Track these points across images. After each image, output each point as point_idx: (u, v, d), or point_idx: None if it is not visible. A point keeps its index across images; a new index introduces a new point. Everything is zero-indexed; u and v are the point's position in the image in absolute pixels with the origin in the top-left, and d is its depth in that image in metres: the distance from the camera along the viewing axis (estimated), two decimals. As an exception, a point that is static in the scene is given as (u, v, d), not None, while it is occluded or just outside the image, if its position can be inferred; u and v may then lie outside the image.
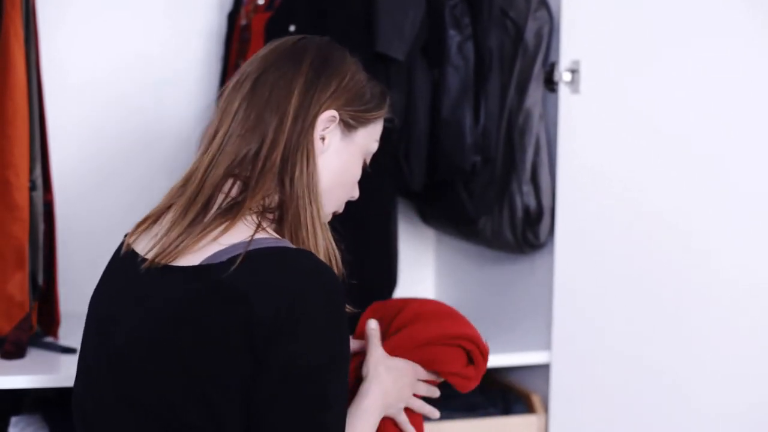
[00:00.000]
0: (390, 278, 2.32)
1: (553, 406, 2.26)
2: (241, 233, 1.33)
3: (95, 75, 2.43)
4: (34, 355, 2.07)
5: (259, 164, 1.38)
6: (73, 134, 2.40)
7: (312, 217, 1.38)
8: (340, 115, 1.42)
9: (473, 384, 1.56)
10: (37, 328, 2.09)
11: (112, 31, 2.44)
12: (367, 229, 2.22)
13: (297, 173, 1.38)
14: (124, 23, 2.45)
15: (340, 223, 2.11)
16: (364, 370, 1.48)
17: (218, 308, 1.28)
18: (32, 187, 2.01)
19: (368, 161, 1.51)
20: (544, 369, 2.28)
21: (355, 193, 1.51)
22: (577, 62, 2.15)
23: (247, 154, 1.38)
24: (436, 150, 2.27)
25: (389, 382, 1.48)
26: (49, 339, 2.14)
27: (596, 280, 2.19)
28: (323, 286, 1.29)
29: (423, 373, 1.53)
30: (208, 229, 1.33)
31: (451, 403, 2.26)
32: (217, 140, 1.40)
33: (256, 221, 1.35)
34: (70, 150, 2.37)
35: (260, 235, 1.33)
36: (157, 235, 1.38)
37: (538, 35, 2.23)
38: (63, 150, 2.31)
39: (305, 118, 1.39)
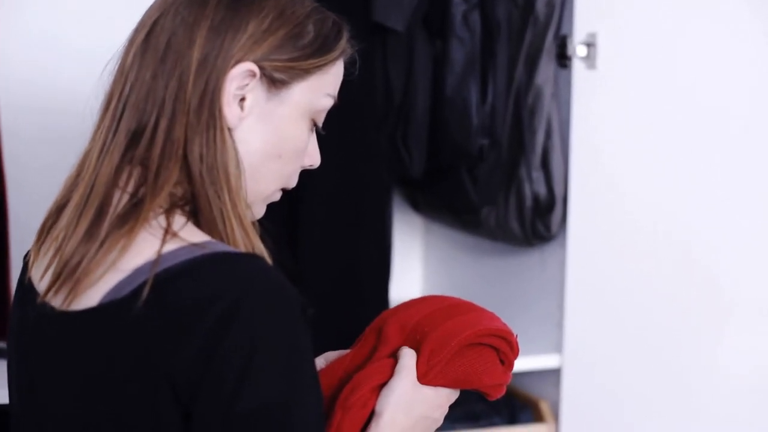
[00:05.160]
0: (384, 271, 2.26)
1: (564, 414, 2.22)
2: (145, 249, 1.07)
3: (53, 64, 2.30)
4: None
5: (158, 145, 1.10)
6: (28, 127, 2.28)
7: (226, 211, 1.11)
8: (261, 68, 1.13)
9: (504, 388, 1.33)
10: (-10, 335, 2.04)
11: (70, 22, 2.30)
12: (361, 220, 2.16)
13: (201, 153, 1.10)
14: (83, 14, 2.31)
15: (332, 211, 2.08)
16: (379, 406, 1.21)
17: (129, 361, 1.04)
18: (-18, 185, 1.93)
19: (320, 121, 1.22)
20: (554, 374, 2.23)
21: (313, 161, 1.23)
22: (593, 35, 2.08)
23: (145, 131, 1.11)
24: (438, 132, 2.18)
25: (407, 426, 1.21)
26: (3, 344, 2.01)
27: (612, 275, 2.14)
28: (258, 300, 1.03)
29: (455, 395, 1.30)
30: (104, 248, 1.07)
31: (452, 413, 2.12)
32: (110, 113, 1.13)
33: (164, 225, 1.08)
34: (26, 144, 2.26)
35: (170, 245, 1.06)
36: (55, 240, 1.13)
37: (550, 4, 2.13)
38: (17, 144, 2.20)
39: (210, 76, 1.11)
